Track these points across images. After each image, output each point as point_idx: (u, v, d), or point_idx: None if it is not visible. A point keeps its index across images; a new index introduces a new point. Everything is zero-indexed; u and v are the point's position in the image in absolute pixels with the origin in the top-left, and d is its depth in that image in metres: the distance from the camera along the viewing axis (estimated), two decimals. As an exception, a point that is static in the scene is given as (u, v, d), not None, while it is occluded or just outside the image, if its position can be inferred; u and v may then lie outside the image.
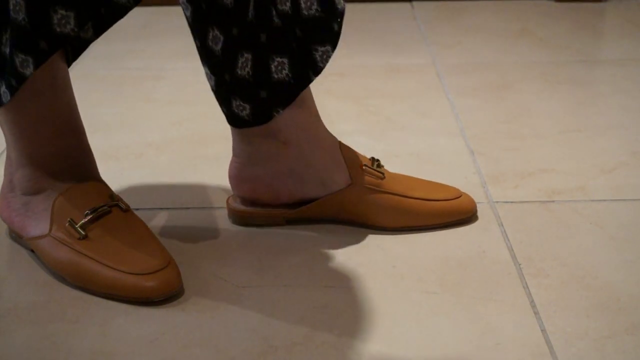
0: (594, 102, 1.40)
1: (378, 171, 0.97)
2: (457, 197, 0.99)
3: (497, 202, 1.05)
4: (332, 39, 0.90)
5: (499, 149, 1.20)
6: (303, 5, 0.88)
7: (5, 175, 0.94)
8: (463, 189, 1.03)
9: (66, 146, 0.91)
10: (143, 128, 1.31)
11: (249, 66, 0.90)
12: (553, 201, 1.05)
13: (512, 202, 1.05)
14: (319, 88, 1.45)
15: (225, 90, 0.92)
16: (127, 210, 0.92)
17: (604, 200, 1.05)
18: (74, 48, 0.90)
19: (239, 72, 0.90)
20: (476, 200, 1.02)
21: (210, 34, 0.89)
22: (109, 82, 1.52)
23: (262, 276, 0.90)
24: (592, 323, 0.81)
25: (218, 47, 0.89)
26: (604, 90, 1.44)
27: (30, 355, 0.79)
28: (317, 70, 0.91)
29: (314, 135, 0.95)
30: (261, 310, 0.84)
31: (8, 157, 0.93)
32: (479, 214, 1.01)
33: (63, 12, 0.81)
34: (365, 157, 0.99)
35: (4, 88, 0.86)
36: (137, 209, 1.02)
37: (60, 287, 0.89)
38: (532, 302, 0.85)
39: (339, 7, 0.90)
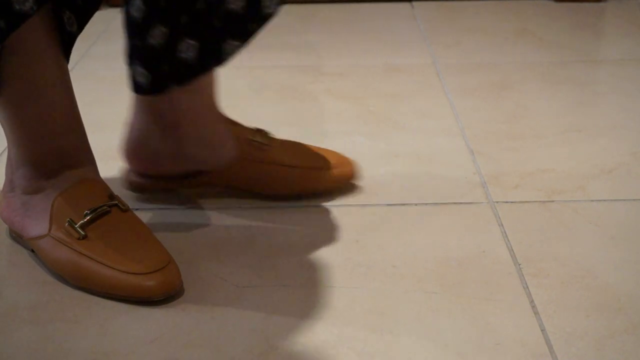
0: (594, 102, 1.40)
1: (263, 143, 1.03)
2: (341, 164, 1.06)
3: (497, 202, 1.05)
4: (244, 37, 0.93)
5: (499, 149, 1.20)
6: None
7: (6, 175, 0.94)
8: (463, 189, 1.03)
9: (66, 145, 0.91)
10: (143, 128, 1.31)
11: (162, 39, 0.92)
12: (553, 201, 1.05)
13: (512, 202, 1.05)
14: (319, 88, 1.46)
15: (135, 56, 0.95)
16: (126, 210, 0.92)
17: (604, 200, 1.05)
18: (64, 43, 0.90)
19: (150, 40, 0.92)
20: (476, 200, 1.02)
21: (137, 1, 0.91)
22: (109, 82, 1.52)
23: (262, 276, 0.90)
24: (592, 323, 0.81)
25: (139, 15, 0.91)
26: (604, 90, 1.44)
27: (30, 355, 0.79)
28: (221, 62, 0.94)
29: (204, 121, 1.00)
30: (261, 310, 0.84)
31: (9, 157, 0.93)
32: (478, 214, 1.02)
33: None
34: (251, 130, 1.04)
35: None
36: (137, 209, 1.02)
37: (60, 287, 0.89)
38: (532, 302, 0.85)
39: (267, 11, 0.92)
